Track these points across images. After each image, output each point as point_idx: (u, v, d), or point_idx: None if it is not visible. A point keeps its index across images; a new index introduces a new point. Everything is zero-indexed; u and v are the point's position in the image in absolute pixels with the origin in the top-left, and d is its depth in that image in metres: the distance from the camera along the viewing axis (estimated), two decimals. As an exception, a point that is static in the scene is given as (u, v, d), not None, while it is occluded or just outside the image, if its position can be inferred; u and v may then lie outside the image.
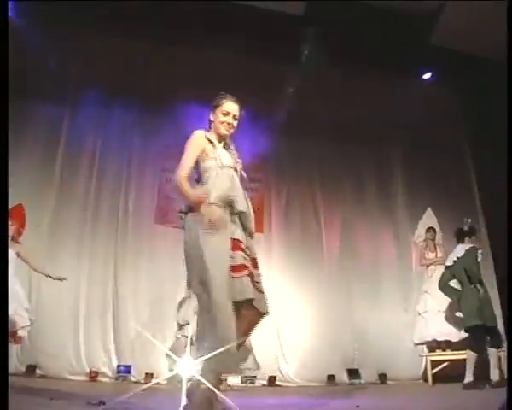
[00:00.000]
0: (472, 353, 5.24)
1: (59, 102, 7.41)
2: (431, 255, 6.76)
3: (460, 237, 5.80)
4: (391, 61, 7.44)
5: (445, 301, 6.25)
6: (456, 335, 6.16)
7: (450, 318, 6.26)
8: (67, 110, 7.51)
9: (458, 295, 5.62)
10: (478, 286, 5.44)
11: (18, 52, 6.64)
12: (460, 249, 5.68)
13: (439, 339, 6.28)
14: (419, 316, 6.45)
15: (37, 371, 6.23)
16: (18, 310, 5.21)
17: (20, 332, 5.27)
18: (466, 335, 5.64)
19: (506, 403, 1.44)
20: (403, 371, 7.20)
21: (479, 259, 5.58)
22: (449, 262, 5.77)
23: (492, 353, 5.24)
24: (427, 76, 8.10)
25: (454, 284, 5.71)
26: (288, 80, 7.72)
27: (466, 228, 5.81)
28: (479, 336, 5.29)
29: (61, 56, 7.14)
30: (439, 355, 6.27)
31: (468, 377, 5.20)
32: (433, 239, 6.83)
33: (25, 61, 6.66)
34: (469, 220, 5.86)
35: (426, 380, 5.99)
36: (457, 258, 5.62)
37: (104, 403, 2.96)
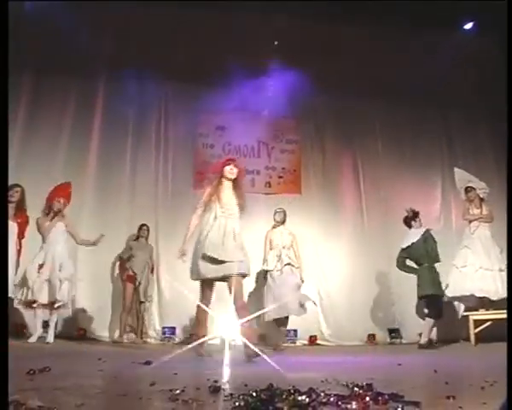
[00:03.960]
0: (429, 319, 5.99)
1: (94, 74, 7.51)
2: (476, 211, 6.54)
3: (407, 223, 6.47)
4: (431, 12, 7.16)
5: (486, 258, 6.20)
6: (495, 293, 6.07)
7: (490, 276, 6.15)
8: (103, 78, 7.64)
9: (416, 271, 6.23)
10: (433, 264, 6.13)
11: (52, 28, 6.78)
12: (414, 234, 6.29)
13: (477, 295, 6.17)
14: (456, 269, 6.33)
15: (87, 334, 6.51)
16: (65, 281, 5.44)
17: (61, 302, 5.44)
18: (505, 295, 5.90)
19: (506, 403, 1.42)
20: (444, 330, 7.13)
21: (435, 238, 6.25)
22: (404, 245, 6.32)
23: (428, 322, 6.01)
24: (468, 26, 7.79)
25: (410, 263, 6.36)
26: (327, 38, 7.55)
27: (410, 214, 6.44)
28: (432, 304, 6.01)
29: (94, 30, 7.20)
30: (481, 314, 6.18)
31: (424, 339, 5.90)
32: (475, 197, 6.60)
33: (59, 36, 6.77)
34: (410, 208, 6.49)
35: (467, 339, 5.94)
36: (413, 243, 6.22)
37: (151, 363, 3.07)
